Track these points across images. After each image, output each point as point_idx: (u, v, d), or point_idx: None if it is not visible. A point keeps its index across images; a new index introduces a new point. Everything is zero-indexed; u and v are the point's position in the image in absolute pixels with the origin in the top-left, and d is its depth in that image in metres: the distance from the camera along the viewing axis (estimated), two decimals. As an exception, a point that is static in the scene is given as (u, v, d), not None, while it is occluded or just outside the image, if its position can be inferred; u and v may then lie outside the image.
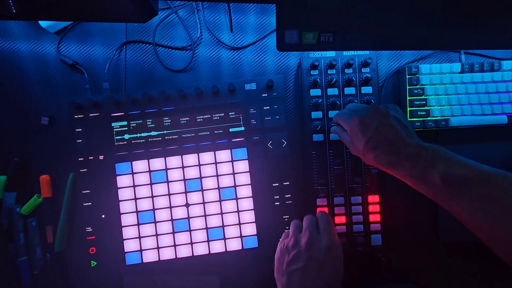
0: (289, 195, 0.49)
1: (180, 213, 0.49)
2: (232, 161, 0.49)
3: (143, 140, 0.49)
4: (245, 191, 0.49)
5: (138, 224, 0.48)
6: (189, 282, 0.49)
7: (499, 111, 0.49)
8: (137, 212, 0.48)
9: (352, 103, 0.46)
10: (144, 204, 0.49)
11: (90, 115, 0.49)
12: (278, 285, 0.41)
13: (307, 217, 0.44)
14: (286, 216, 0.49)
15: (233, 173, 0.49)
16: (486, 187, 0.30)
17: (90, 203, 0.48)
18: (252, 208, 0.49)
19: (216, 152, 0.49)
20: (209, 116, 0.49)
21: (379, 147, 0.36)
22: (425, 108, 0.49)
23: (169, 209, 0.49)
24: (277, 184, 0.49)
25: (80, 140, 0.48)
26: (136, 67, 0.52)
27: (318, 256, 0.39)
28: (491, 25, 0.33)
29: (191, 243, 0.48)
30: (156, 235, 0.48)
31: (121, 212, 0.48)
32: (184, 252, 0.48)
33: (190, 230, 0.49)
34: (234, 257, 0.49)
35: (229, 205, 0.49)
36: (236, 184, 0.49)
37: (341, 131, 0.43)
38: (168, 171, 0.49)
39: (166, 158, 0.49)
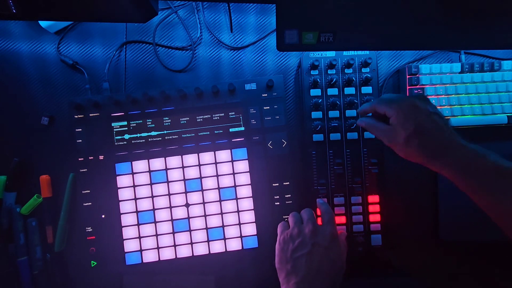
0: (289, 195, 0.49)
1: (180, 213, 0.49)
2: (232, 161, 0.49)
3: (143, 140, 0.49)
4: (245, 191, 0.49)
5: (138, 224, 0.48)
6: (189, 282, 0.49)
7: (499, 111, 0.49)
8: (137, 212, 0.48)
9: (388, 94, 0.43)
10: (144, 204, 0.49)
11: (90, 115, 0.49)
12: (281, 274, 0.40)
13: (307, 210, 0.45)
14: (286, 216, 0.49)
15: (233, 173, 0.49)
16: None
17: (90, 203, 0.48)
18: (252, 208, 0.49)
19: (216, 152, 0.49)
20: (209, 116, 0.49)
21: (428, 133, 0.35)
22: (425, 108, 0.49)
23: (169, 209, 0.49)
24: (277, 184, 0.49)
25: (80, 140, 0.48)
26: (136, 67, 0.52)
27: (324, 242, 0.40)
28: (491, 25, 0.33)
29: (191, 243, 0.48)
30: (156, 235, 0.48)
31: (121, 212, 0.48)
32: (184, 252, 0.48)
33: (190, 230, 0.49)
34: (234, 257, 0.49)
35: (229, 205, 0.49)
36: (236, 184, 0.49)
37: (376, 121, 0.40)
38: (168, 171, 0.49)
39: (166, 158, 0.49)
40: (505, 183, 0.31)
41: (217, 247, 0.48)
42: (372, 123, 0.40)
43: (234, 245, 0.49)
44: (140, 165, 0.49)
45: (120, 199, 0.48)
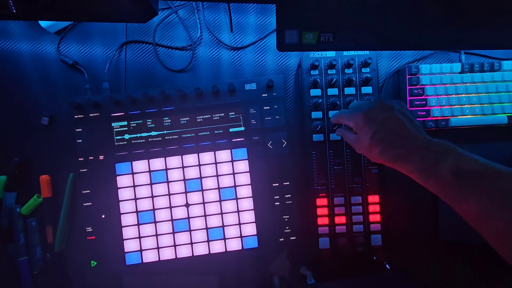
0: (289, 195, 0.49)
1: (180, 213, 0.49)
2: (232, 161, 0.49)
3: (143, 140, 0.49)
4: (245, 191, 0.49)
5: (138, 224, 0.48)
6: (189, 282, 0.49)
7: (499, 111, 0.49)
8: (137, 212, 0.48)
9: (354, 102, 0.45)
10: (144, 204, 0.49)
11: (90, 115, 0.49)
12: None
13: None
14: (286, 216, 0.49)
15: (233, 173, 0.49)
16: (498, 182, 0.30)
17: (90, 203, 0.48)
18: (252, 208, 0.49)
19: (216, 152, 0.49)
20: (209, 116, 0.49)
21: (386, 140, 0.35)
22: (425, 108, 0.49)
23: (169, 209, 0.49)
24: (277, 184, 0.49)
25: (80, 140, 0.48)
26: (136, 67, 0.52)
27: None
28: (491, 25, 0.33)
29: (191, 243, 0.48)
30: (156, 235, 0.48)
31: (121, 212, 0.48)
32: (184, 252, 0.48)
33: (190, 230, 0.49)
34: (234, 257, 0.49)
35: (229, 205, 0.49)
36: (236, 184, 0.49)
37: (345, 130, 0.42)
38: (168, 171, 0.49)
39: (166, 158, 0.49)
40: (464, 185, 0.31)
41: (217, 247, 0.48)
42: (343, 133, 0.43)
43: (234, 245, 0.49)
44: (140, 165, 0.49)
45: (120, 199, 0.48)
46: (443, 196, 0.33)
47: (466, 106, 0.49)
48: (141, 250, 0.48)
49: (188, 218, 0.49)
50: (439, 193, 0.33)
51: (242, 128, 0.49)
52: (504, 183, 0.29)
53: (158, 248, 0.48)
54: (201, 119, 0.49)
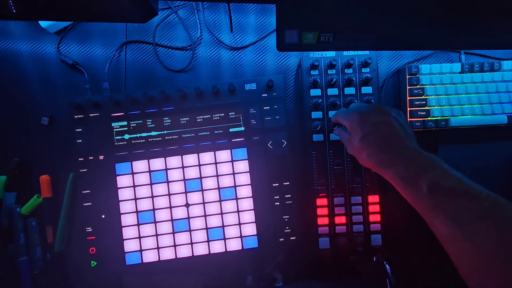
0: (289, 195, 0.49)
1: (180, 213, 0.49)
2: (232, 161, 0.49)
3: (143, 140, 0.49)
4: (245, 191, 0.49)
5: (138, 224, 0.48)
6: (189, 282, 0.49)
7: (499, 111, 0.49)
8: (137, 212, 0.48)
9: (354, 103, 0.45)
10: (144, 204, 0.49)
11: (90, 115, 0.49)
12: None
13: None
14: (286, 216, 0.49)
15: (233, 173, 0.49)
16: (474, 203, 0.29)
17: (90, 203, 0.48)
18: (252, 208, 0.49)
19: (216, 152, 0.49)
20: (209, 116, 0.49)
21: (375, 144, 0.36)
22: (425, 108, 0.49)
23: (169, 209, 0.49)
24: (277, 184, 0.49)
25: (80, 140, 0.48)
26: (136, 67, 0.52)
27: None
28: (491, 25, 0.33)
29: (191, 243, 0.48)
30: (156, 235, 0.48)
31: (121, 212, 0.48)
32: (184, 252, 0.48)
33: (190, 230, 0.49)
34: (234, 257, 0.49)
35: (229, 205, 0.49)
36: (236, 184, 0.49)
37: (342, 130, 0.43)
38: (168, 171, 0.49)
39: (166, 158, 0.49)
40: (438, 200, 0.30)
41: (217, 247, 0.48)
42: (340, 132, 0.43)
43: (234, 245, 0.49)
44: (140, 165, 0.49)
45: (120, 199, 0.48)
46: (417, 208, 0.33)
47: (466, 106, 0.49)
48: (141, 250, 0.48)
49: (188, 218, 0.49)
50: (414, 204, 0.33)
51: (242, 128, 0.49)
52: (480, 205, 0.29)
53: (158, 248, 0.48)
54: (201, 119, 0.49)
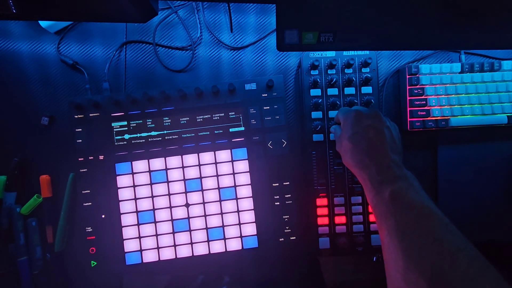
0: (289, 195, 0.49)
1: (180, 213, 0.49)
2: (232, 161, 0.49)
3: (143, 140, 0.49)
4: (245, 191, 0.49)
5: (138, 224, 0.48)
6: (189, 282, 0.49)
7: (499, 111, 0.49)
8: (137, 212, 0.48)
9: (356, 105, 0.46)
10: (144, 204, 0.49)
11: (90, 115, 0.49)
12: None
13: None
14: (286, 216, 0.49)
15: (233, 173, 0.49)
16: (423, 222, 0.30)
17: (90, 203, 0.48)
18: (252, 208, 0.49)
19: (216, 152, 0.49)
20: (209, 116, 0.49)
21: (360, 144, 0.37)
22: (425, 108, 0.49)
23: (169, 209, 0.49)
24: (277, 184, 0.49)
25: (80, 140, 0.48)
26: (136, 67, 0.52)
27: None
28: (491, 25, 0.33)
29: (191, 243, 0.48)
30: (156, 235, 0.48)
31: (121, 212, 0.48)
32: (184, 252, 0.48)
33: (190, 230, 0.49)
34: (234, 257, 0.49)
35: (229, 205, 0.49)
36: (236, 184, 0.49)
37: (337, 127, 0.43)
38: (168, 171, 0.49)
39: (166, 158, 0.49)
40: (393, 207, 0.31)
41: (217, 247, 0.48)
42: (335, 130, 0.44)
43: (234, 245, 0.49)
44: (140, 165, 0.49)
45: (120, 199, 0.48)
46: (374, 212, 0.34)
47: (466, 106, 0.49)
48: (141, 250, 0.48)
49: (188, 218, 0.49)
50: (372, 208, 0.34)
51: (242, 128, 0.49)
52: (428, 225, 0.29)
53: (158, 248, 0.48)
54: (201, 119, 0.49)
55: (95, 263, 0.48)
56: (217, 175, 0.49)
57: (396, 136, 0.39)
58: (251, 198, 0.49)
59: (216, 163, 0.49)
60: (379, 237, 0.34)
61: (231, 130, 0.49)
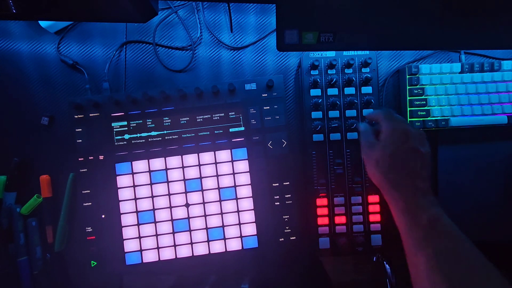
0: (289, 195, 0.49)
1: (180, 213, 0.49)
2: (232, 161, 0.49)
3: (143, 140, 0.49)
4: (245, 191, 0.49)
5: (138, 224, 0.48)
6: (189, 282, 0.49)
7: (499, 111, 0.49)
8: (137, 212, 0.48)
9: (398, 114, 0.43)
10: (144, 204, 0.49)
11: (90, 115, 0.49)
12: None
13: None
14: (286, 216, 0.49)
15: (233, 173, 0.49)
16: (462, 246, 0.30)
17: (90, 203, 0.48)
18: (252, 208, 0.49)
19: (216, 152, 0.49)
20: (209, 116, 0.49)
21: (400, 163, 0.35)
22: (425, 108, 0.49)
23: (169, 209, 0.49)
24: (277, 184, 0.49)
25: (80, 140, 0.48)
26: (136, 67, 0.52)
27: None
28: (491, 25, 0.33)
29: (191, 243, 0.48)
30: (156, 235, 0.48)
31: (121, 212, 0.48)
32: (184, 252, 0.48)
33: (190, 230, 0.49)
34: (234, 257, 0.49)
35: (229, 205, 0.49)
36: (236, 184, 0.49)
37: (369, 132, 0.41)
38: (168, 171, 0.49)
39: (166, 158, 0.49)
40: (432, 233, 0.31)
41: (217, 247, 0.48)
42: (366, 131, 0.41)
43: (234, 245, 0.49)
44: (140, 165, 0.49)
45: (120, 199, 0.48)
46: (407, 234, 0.34)
47: (466, 106, 0.49)
48: (141, 250, 0.48)
49: (188, 218, 0.49)
50: (405, 230, 0.34)
51: (242, 128, 0.49)
52: (469, 253, 0.30)
53: (158, 248, 0.48)
54: (201, 119, 0.49)
55: (95, 263, 0.48)
56: (217, 175, 0.49)
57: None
58: (251, 198, 0.49)
59: (216, 163, 0.49)
60: (412, 262, 0.33)
61: (231, 130, 0.49)
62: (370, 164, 0.38)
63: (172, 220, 0.49)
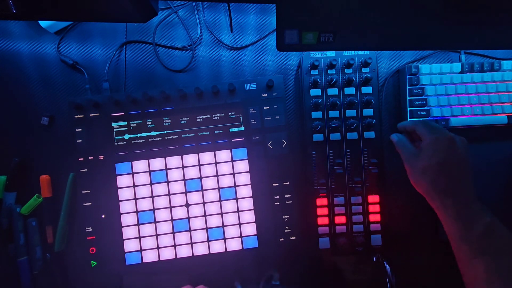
0: (289, 195, 0.49)
1: (180, 213, 0.49)
2: (232, 161, 0.49)
3: (143, 140, 0.49)
4: (245, 191, 0.49)
5: (138, 224, 0.48)
6: (189, 282, 0.49)
7: (499, 111, 0.49)
8: (137, 212, 0.48)
9: (434, 123, 0.44)
10: (144, 204, 0.49)
11: (90, 115, 0.49)
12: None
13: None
14: (286, 216, 0.49)
15: (233, 173, 0.49)
16: None
17: (90, 203, 0.48)
18: (252, 208, 0.49)
19: (216, 152, 0.49)
20: (209, 116, 0.49)
21: (446, 172, 0.36)
22: (425, 108, 0.49)
23: (169, 209, 0.49)
24: (277, 184, 0.49)
25: (80, 140, 0.48)
26: (136, 67, 0.52)
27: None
28: (491, 25, 0.33)
29: (191, 243, 0.48)
30: (156, 235, 0.48)
31: (121, 212, 0.48)
32: (184, 252, 0.48)
33: (190, 230, 0.49)
34: (234, 257, 0.49)
35: (229, 205, 0.49)
36: (236, 184, 0.49)
37: (407, 141, 0.42)
38: (168, 171, 0.49)
39: (166, 158, 0.49)
40: (487, 242, 0.32)
41: (217, 247, 0.48)
42: (403, 141, 0.42)
43: (234, 245, 0.49)
44: (140, 165, 0.49)
45: (120, 199, 0.48)
46: (460, 244, 0.34)
47: (466, 106, 0.49)
48: (141, 250, 0.48)
49: (188, 218, 0.49)
50: (458, 240, 0.34)
51: (242, 128, 0.49)
52: None
53: (158, 248, 0.48)
54: (201, 119, 0.49)
55: (95, 263, 0.48)
56: (217, 175, 0.49)
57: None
58: (251, 198, 0.49)
59: (216, 163, 0.49)
60: (467, 268, 0.34)
61: (231, 130, 0.49)
62: (415, 172, 0.38)
63: (172, 220, 0.49)
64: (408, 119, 0.50)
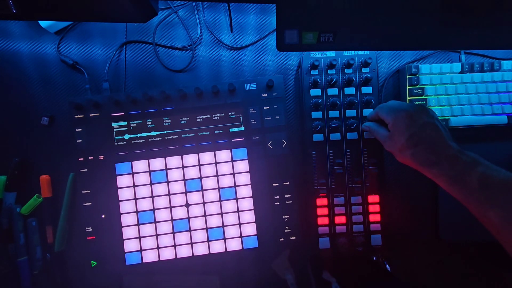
0: (289, 195, 0.49)
1: (180, 213, 0.49)
2: (232, 161, 0.49)
3: (143, 140, 0.49)
4: (245, 191, 0.49)
5: (138, 224, 0.48)
6: (189, 282, 0.49)
7: (499, 111, 0.49)
8: (137, 212, 0.48)
9: (392, 100, 0.44)
10: (144, 204, 0.49)
11: (90, 115, 0.49)
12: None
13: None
14: (286, 216, 0.49)
15: (233, 173, 0.49)
16: None
17: (90, 203, 0.48)
18: (252, 208, 0.49)
19: (216, 152, 0.49)
20: (209, 116, 0.49)
21: (420, 144, 0.37)
22: (425, 108, 0.49)
23: (169, 209, 0.49)
24: (277, 184, 0.49)
25: (80, 140, 0.48)
26: (136, 67, 0.52)
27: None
28: (491, 25, 0.33)
29: (191, 243, 0.48)
30: (156, 235, 0.48)
31: (121, 212, 0.48)
32: (184, 252, 0.48)
33: (190, 230, 0.49)
34: (234, 257, 0.49)
35: (229, 205, 0.49)
36: (236, 184, 0.49)
37: (378, 126, 0.43)
38: (168, 171, 0.49)
39: (166, 158, 0.49)
40: (489, 194, 0.32)
41: (217, 247, 0.48)
42: (374, 128, 0.44)
43: (234, 245, 0.49)
44: (140, 165, 0.49)
45: (120, 199, 0.48)
46: (466, 203, 0.34)
47: (466, 106, 0.49)
48: (141, 250, 0.48)
49: (188, 218, 0.49)
50: (463, 200, 0.34)
51: (242, 128, 0.49)
52: None
53: (158, 248, 0.48)
54: (201, 119, 0.49)
55: (95, 263, 0.48)
56: (217, 175, 0.49)
57: (444, 124, 0.39)
58: (251, 198, 0.49)
59: (216, 163, 0.49)
60: (484, 222, 0.33)
61: (231, 130, 0.49)
62: (396, 154, 0.40)
63: (172, 220, 0.49)
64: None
